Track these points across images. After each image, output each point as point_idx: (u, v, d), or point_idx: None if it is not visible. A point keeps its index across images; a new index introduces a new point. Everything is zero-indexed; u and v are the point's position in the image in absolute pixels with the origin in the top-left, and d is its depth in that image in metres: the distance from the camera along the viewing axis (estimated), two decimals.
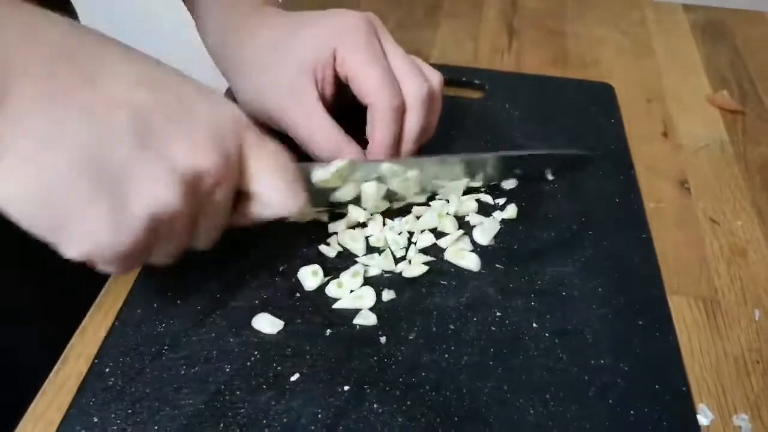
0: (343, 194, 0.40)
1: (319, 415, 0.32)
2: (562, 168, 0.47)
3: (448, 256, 0.41)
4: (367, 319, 0.37)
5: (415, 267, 0.39)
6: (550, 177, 0.47)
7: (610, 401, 0.34)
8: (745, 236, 0.45)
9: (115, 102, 0.28)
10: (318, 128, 0.41)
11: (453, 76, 0.57)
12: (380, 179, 0.41)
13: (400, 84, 0.41)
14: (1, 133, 0.26)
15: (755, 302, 0.40)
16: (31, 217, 0.27)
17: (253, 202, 0.34)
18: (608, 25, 0.67)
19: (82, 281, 0.38)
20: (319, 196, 0.39)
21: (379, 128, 0.40)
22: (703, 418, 0.34)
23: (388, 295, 0.38)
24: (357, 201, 0.41)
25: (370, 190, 0.40)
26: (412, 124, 0.41)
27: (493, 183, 0.45)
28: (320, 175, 0.38)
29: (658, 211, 0.46)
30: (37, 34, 0.28)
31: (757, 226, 0.45)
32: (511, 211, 0.43)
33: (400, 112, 0.41)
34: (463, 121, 0.52)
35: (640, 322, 0.38)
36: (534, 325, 0.37)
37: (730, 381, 0.36)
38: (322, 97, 0.42)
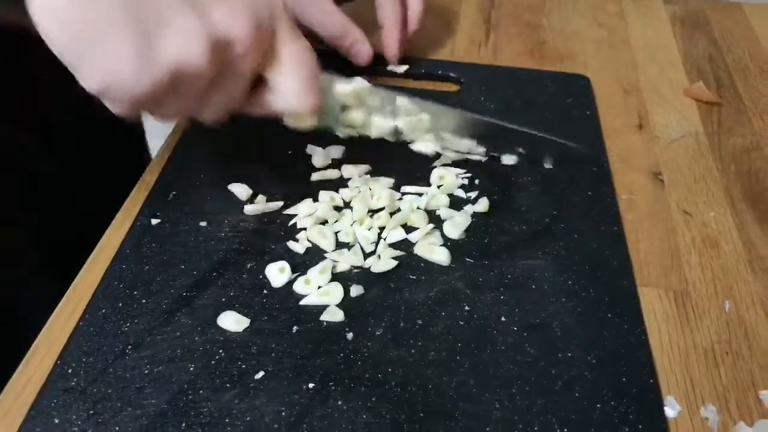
0: (354, 118, 0.42)
1: (283, 413, 0.32)
2: (563, 159, 0.47)
3: (418, 250, 0.40)
4: (334, 315, 0.36)
5: (384, 262, 0.39)
6: (548, 166, 0.47)
7: (577, 394, 0.34)
8: (718, 227, 0.44)
9: None
10: (326, 13, 0.50)
11: (429, 69, 0.57)
12: (393, 112, 0.43)
13: None
14: None
15: (726, 293, 0.40)
16: (60, 38, 0.28)
17: (269, 90, 0.35)
18: (586, 17, 0.67)
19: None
20: (331, 110, 0.41)
21: (386, 11, 0.52)
22: (671, 410, 0.34)
23: (356, 290, 0.38)
24: (364, 128, 0.43)
25: (380, 123, 0.43)
26: (415, 5, 0.54)
27: (495, 154, 0.47)
28: (341, 88, 0.40)
29: (631, 203, 0.46)
30: None
31: (729, 217, 0.45)
32: (482, 204, 0.43)
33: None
34: None
35: (610, 315, 0.37)
36: (503, 319, 0.37)
37: (699, 373, 0.36)
38: None
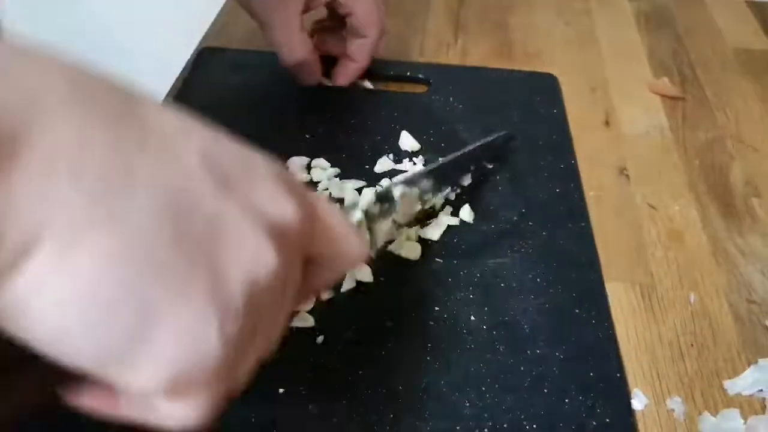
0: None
1: (253, 420, 0.32)
2: (496, 155, 0.47)
3: (391, 245, 0.40)
4: (304, 320, 0.36)
5: (363, 270, 0.39)
6: (489, 166, 0.47)
7: (546, 390, 0.34)
8: (683, 220, 0.45)
9: (174, 137, 0.19)
10: (293, 38, 0.50)
11: (397, 71, 0.57)
12: (389, 209, 0.38)
13: None
14: (24, 208, 0.15)
15: (691, 286, 0.41)
16: (85, 347, 0.17)
17: (319, 265, 0.26)
18: (553, 15, 0.68)
19: None
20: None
21: (369, 53, 0.53)
22: (638, 403, 0.34)
23: (326, 294, 0.38)
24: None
25: (383, 229, 0.38)
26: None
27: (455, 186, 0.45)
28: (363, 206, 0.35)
29: (598, 200, 0.46)
30: (49, 65, 0.17)
31: (694, 210, 0.46)
32: (465, 211, 0.43)
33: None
34: (407, 116, 0.52)
35: (577, 311, 0.38)
36: (472, 318, 0.37)
37: (665, 365, 0.36)
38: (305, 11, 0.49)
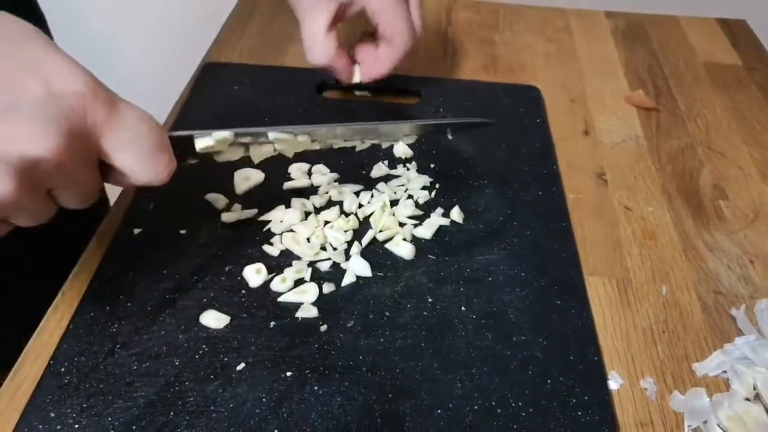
0: (232, 155, 0.41)
1: (264, 399, 0.35)
2: (460, 128, 0.49)
3: (387, 243, 0.44)
4: (309, 311, 0.39)
5: (360, 267, 0.42)
6: (450, 137, 0.49)
7: (530, 372, 0.37)
8: (656, 221, 0.49)
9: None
10: (316, 43, 0.50)
11: (389, 84, 0.60)
12: (267, 141, 0.42)
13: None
14: None
15: (663, 279, 0.44)
16: None
17: (119, 173, 0.33)
18: (535, 32, 0.72)
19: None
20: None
21: (391, 61, 0.52)
22: (614, 383, 0.38)
23: (328, 287, 0.41)
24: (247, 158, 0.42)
25: (258, 152, 0.42)
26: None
27: (394, 140, 0.48)
28: (203, 143, 0.38)
29: (578, 202, 0.50)
30: None
31: (666, 211, 0.50)
32: (455, 212, 0.47)
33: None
34: None
35: (559, 302, 0.41)
36: (462, 308, 0.40)
37: (639, 349, 0.40)
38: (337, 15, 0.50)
